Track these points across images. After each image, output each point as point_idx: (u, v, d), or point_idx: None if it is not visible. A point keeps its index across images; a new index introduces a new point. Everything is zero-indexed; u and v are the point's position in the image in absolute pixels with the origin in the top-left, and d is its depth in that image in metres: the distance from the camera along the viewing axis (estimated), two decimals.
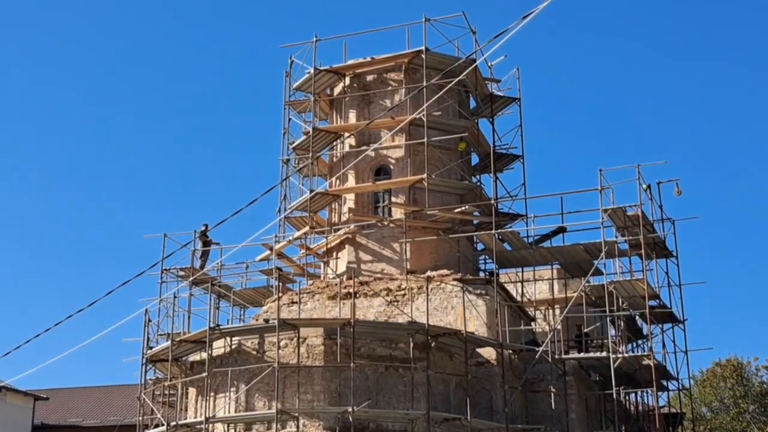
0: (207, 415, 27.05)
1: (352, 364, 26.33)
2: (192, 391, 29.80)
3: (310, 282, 34.25)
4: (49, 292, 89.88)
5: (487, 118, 36.81)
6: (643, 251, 31.57)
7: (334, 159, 36.17)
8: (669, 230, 34.42)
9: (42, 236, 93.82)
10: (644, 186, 32.29)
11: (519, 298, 34.89)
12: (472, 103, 37.46)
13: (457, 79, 30.09)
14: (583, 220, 33.12)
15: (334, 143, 35.82)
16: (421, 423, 26.87)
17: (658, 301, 33.15)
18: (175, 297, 30.50)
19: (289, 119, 36.58)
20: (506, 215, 35.35)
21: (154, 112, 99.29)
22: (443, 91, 30.41)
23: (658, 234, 33.39)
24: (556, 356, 30.95)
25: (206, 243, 34.43)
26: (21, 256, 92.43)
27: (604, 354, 31.66)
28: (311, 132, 34.91)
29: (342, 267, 33.98)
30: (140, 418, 30.57)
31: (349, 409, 25.80)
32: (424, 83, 32.14)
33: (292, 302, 31.97)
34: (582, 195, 33.49)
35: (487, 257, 35.88)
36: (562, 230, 34.20)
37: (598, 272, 32.86)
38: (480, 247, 35.80)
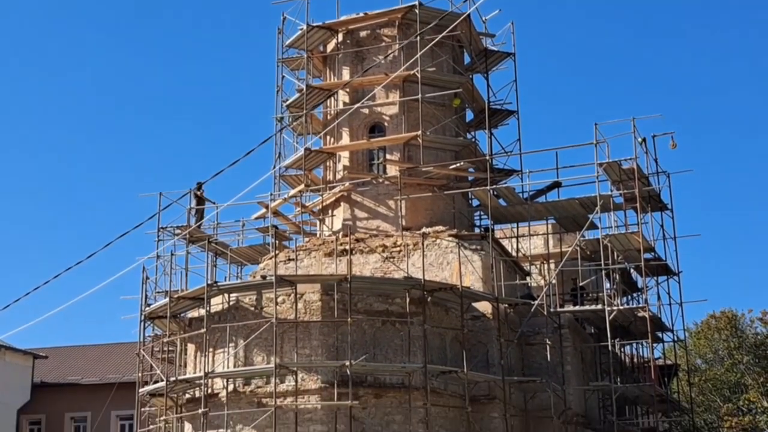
0: (206, 371, 27.32)
1: (349, 319, 26.56)
2: (191, 348, 30.05)
3: (306, 239, 34.41)
4: (45, 253, 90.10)
5: (482, 74, 36.79)
6: (638, 204, 31.75)
7: (328, 116, 36.19)
8: (664, 183, 34.60)
9: (38, 196, 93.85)
10: (639, 139, 32.41)
11: (514, 253, 35.10)
12: (467, 59, 37.40)
13: (449, 29, 29.99)
14: (578, 175, 33.27)
15: (328, 100, 35.81)
16: (418, 376, 27.16)
17: (653, 253, 33.38)
18: (172, 255, 30.65)
19: (283, 77, 36.55)
20: (501, 171, 35.47)
21: (147, 70, 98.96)
22: (434, 41, 30.27)
23: (653, 187, 33.54)
24: (552, 310, 31.20)
25: (200, 201, 34.52)
26: (17, 215, 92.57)
27: (599, 307, 31.94)
28: (305, 89, 34.88)
29: (338, 224, 34.13)
30: (139, 375, 30.83)
31: (347, 363, 26.07)
32: (417, 35, 32.04)
33: (289, 259, 32.14)
34: (577, 149, 33.59)
35: (482, 213, 36.05)
36: (557, 185, 34.31)
37: (593, 226, 33.03)
38: (475, 203, 35.95)
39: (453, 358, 28.55)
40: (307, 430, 26.46)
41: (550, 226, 36.39)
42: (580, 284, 34.14)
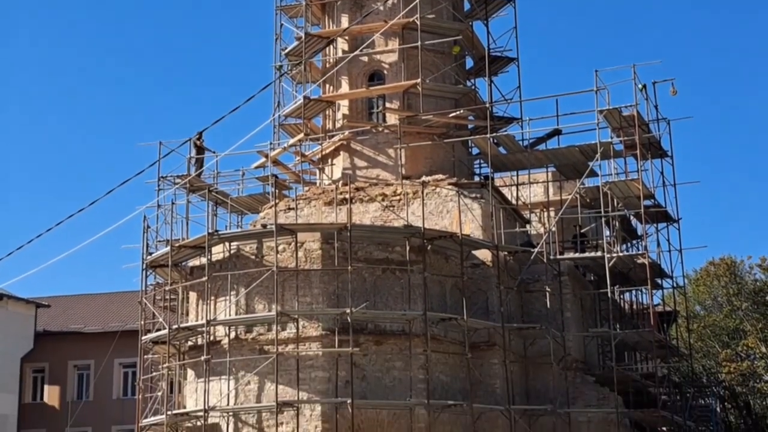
0: (208, 318, 27.52)
1: (349, 268, 26.70)
2: (192, 296, 30.23)
3: (306, 188, 34.45)
4: (48, 203, 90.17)
5: (482, 21, 36.58)
6: (638, 151, 31.73)
7: (327, 65, 36.02)
8: (664, 130, 34.51)
9: (40, 148, 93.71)
10: (639, 86, 32.27)
11: (514, 201, 35.14)
12: (467, 6, 37.14)
13: None
14: (578, 122, 33.18)
15: (327, 48, 35.63)
16: (418, 323, 27.36)
17: (652, 200, 33.42)
18: (172, 204, 30.67)
19: (281, 25, 36.31)
20: (501, 119, 35.38)
21: (145, 19, 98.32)
22: None
23: (653, 134, 33.49)
24: (551, 257, 31.31)
25: (200, 150, 34.51)
26: (18, 166, 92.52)
27: (598, 254, 32.05)
28: (303, 37, 34.70)
29: (337, 173, 34.13)
30: (142, 323, 31.05)
31: (348, 311, 26.25)
32: None
33: (289, 208, 32.20)
34: (577, 96, 33.54)
35: (482, 161, 36.03)
36: (557, 132, 34.25)
37: (593, 174, 33.04)
38: (475, 151, 35.91)
39: (453, 305, 28.73)
40: (308, 377, 26.73)
41: (549, 174, 36.40)
42: (580, 232, 34.22)
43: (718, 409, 47.81)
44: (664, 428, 35.74)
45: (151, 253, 30.83)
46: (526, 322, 30.82)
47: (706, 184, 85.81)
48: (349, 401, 25.89)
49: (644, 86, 32.68)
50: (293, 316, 26.87)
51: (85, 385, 44.32)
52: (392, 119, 33.70)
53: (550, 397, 29.78)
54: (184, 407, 29.22)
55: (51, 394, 45.36)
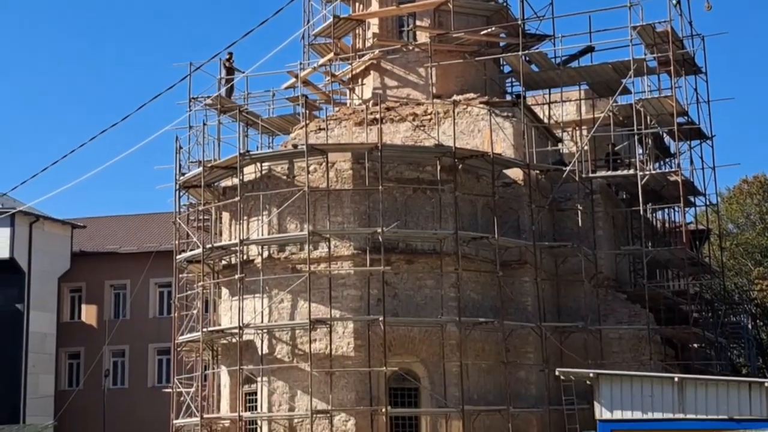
0: (241, 238, 27.79)
1: (380, 187, 26.78)
2: (225, 216, 30.49)
3: (337, 109, 34.37)
4: (82, 125, 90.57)
5: None
6: (671, 68, 31.33)
7: None
8: (698, 46, 34.05)
9: (71, 68, 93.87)
10: (674, 1, 31.73)
11: (546, 120, 34.91)
12: None
13: None
14: (611, 39, 32.92)
15: None
16: (449, 242, 27.49)
17: (686, 117, 33.11)
18: (204, 125, 30.77)
19: None
20: (533, 36, 34.86)
21: None
22: None
23: (686, 50, 33.03)
24: (584, 175, 31.20)
25: (231, 71, 34.45)
26: (55, 92, 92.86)
27: (631, 172, 31.87)
28: None
29: (367, 93, 34.00)
30: (176, 243, 31.39)
31: (379, 230, 26.40)
32: None
33: (320, 129, 32.20)
34: (610, 12, 32.95)
35: (513, 79, 35.72)
36: (590, 50, 33.82)
37: (626, 91, 32.68)
38: (506, 69, 35.57)
39: (484, 224, 28.79)
40: (340, 295, 27.03)
41: (582, 92, 36.07)
42: (613, 150, 34.02)
43: (749, 327, 47.83)
44: (695, 345, 35.90)
45: (183, 174, 31.04)
46: (558, 240, 30.86)
47: (740, 101, 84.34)
48: (380, 318, 26.20)
49: (678, 1, 32.14)
50: (325, 236, 27.08)
51: (122, 305, 45.04)
52: (423, 37, 33.39)
53: (581, 314, 29.95)
54: (219, 325, 29.71)
55: (88, 313, 46.17)
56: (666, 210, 36.99)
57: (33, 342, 43.27)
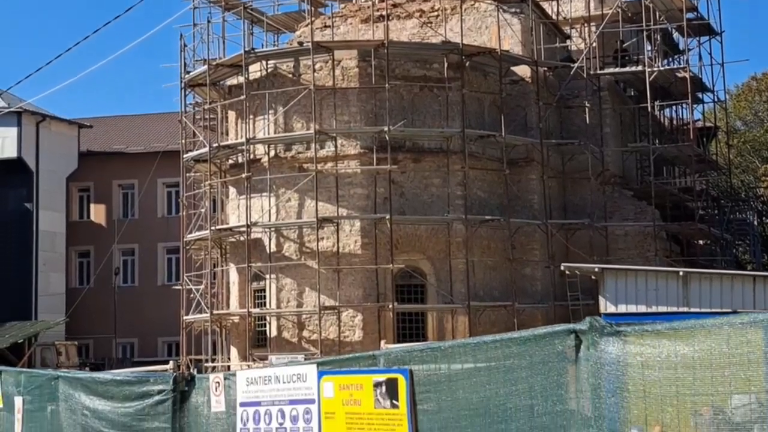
0: (247, 137, 27.80)
1: (387, 85, 26.65)
2: (231, 115, 30.44)
3: (342, 6, 33.98)
4: (82, 22, 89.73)
5: None
6: None
7: None
8: None
9: None
10: None
11: (554, 17, 34.48)
12: None
13: None
14: None
15: None
16: (456, 140, 27.48)
17: (695, 13, 32.75)
18: (208, 22, 30.47)
19: None
20: None
21: None
22: None
23: None
24: (591, 72, 30.99)
25: None
26: None
27: (639, 68, 31.65)
28: None
29: None
30: (183, 141, 31.41)
31: (385, 129, 26.38)
32: None
33: (325, 26, 31.89)
34: None
35: None
36: None
37: None
38: None
39: (491, 122, 28.73)
40: (347, 194, 27.14)
41: None
42: (621, 47, 33.71)
43: (755, 223, 48.05)
44: (701, 241, 36.12)
45: (189, 72, 30.88)
46: (565, 138, 30.82)
47: None
48: (387, 217, 26.36)
49: None
50: (331, 135, 27.06)
51: (130, 204, 45.24)
52: None
53: (587, 211, 30.08)
54: (227, 223, 29.92)
55: (97, 213, 46.44)
56: (674, 107, 36.83)
57: (43, 241, 43.65)
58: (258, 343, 28.18)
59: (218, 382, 7.39)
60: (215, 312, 29.07)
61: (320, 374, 6.79)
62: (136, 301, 43.67)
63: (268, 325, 27.80)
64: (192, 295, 30.15)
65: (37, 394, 9.16)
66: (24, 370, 11.80)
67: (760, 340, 4.53)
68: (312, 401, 6.78)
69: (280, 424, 6.97)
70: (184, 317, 30.16)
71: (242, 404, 7.24)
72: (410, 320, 27.40)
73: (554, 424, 5.49)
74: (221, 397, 7.34)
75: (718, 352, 4.68)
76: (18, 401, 9.44)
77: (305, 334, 27.13)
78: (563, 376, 5.44)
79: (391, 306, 26.58)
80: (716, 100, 35.89)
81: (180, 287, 31.54)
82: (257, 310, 27.98)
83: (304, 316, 27.21)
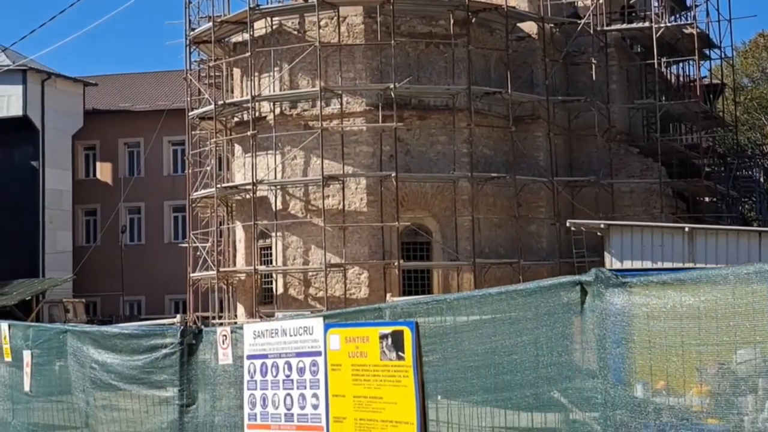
0: (253, 94, 27.73)
1: (392, 42, 26.53)
2: (237, 72, 30.35)
3: None
4: None
5: None
6: None
7: None
8: None
9: None
10: None
11: None
12: None
13: None
14: None
15: None
16: (462, 98, 27.40)
17: None
18: None
19: None
20: None
21: None
22: None
23: None
24: (598, 28, 30.80)
25: None
26: None
27: (646, 24, 31.44)
28: None
29: None
30: (188, 99, 31.34)
31: (391, 86, 26.29)
32: None
33: None
34: None
35: None
36: None
37: None
38: None
39: (497, 79, 28.62)
40: (353, 151, 27.13)
41: None
42: (628, 2, 33.45)
43: (761, 180, 47.95)
44: (707, 198, 36.08)
45: (193, 29, 30.75)
46: (571, 95, 30.69)
47: None
48: (393, 174, 26.35)
49: None
50: (337, 92, 26.99)
51: (136, 163, 45.26)
52: None
53: (593, 168, 30.02)
54: (233, 181, 29.93)
55: (103, 171, 46.48)
56: (680, 64, 36.64)
57: (49, 199, 43.73)
58: (264, 300, 28.32)
59: (225, 336, 7.44)
60: (222, 269, 29.17)
61: (326, 327, 6.83)
62: (143, 259, 43.83)
63: (274, 283, 27.92)
64: (198, 253, 30.25)
65: (46, 348, 9.24)
66: (32, 324, 11.88)
67: (765, 290, 4.54)
68: (318, 353, 6.83)
69: (287, 376, 7.02)
70: (191, 275, 30.27)
71: (249, 357, 7.30)
72: (416, 277, 27.48)
73: (559, 374, 5.52)
74: (228, 350, 7.39)
75: (724, 302, 4.70)
76: (27, 355, 9.52)
77: (311, 291, 27.24)
78: (568, 327, 5.46)
79: (396, 263, 26.65)
80: (723, 56, 35.71)
81: (186, 245, 31.63)
82: (263, 267, 28.07)
83: (310, 274, 27.29)
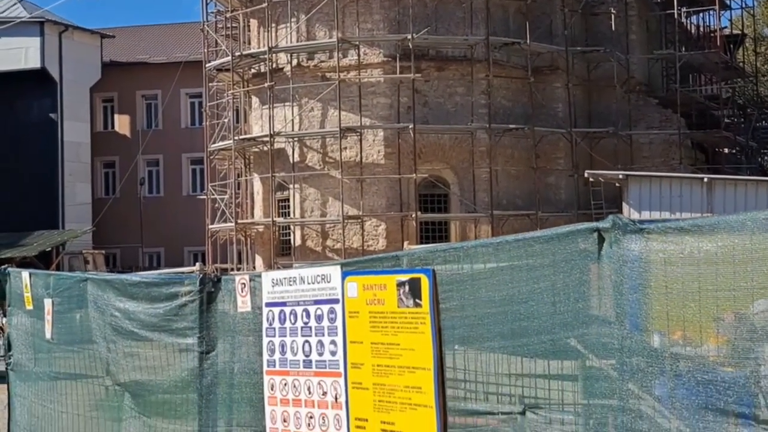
0: (270, 45, 27.64)
1: None
2: (254, 23, 30.23)
3: None
4: None
5: None
6: None
7: None
8: None
9: None
10: None
11: None
12: None
13: None
14: None
15: None
16: (480, 48, 27.22)
17: None
18: None
19: None
20: None
21: None
22: None
23: None
24: None
25: None
26: None
27: None
28: None
29: None
30: (205, 51, 31.27)
31: (409, 36, 26.14)
32: None
33: None
34: None
35: None
36: None
37: None
38: None
39: (516, 30, 28.41)
40: (370, 103, 27.06)
41: None
42: None
43: None
44: (726, 150, 35.88)
45: None
46: (590, 45, 30.45)
47: None
48: (411, 126, 26.28)
49: None
50: (354, 43, 26.87)
51: (154, 115, 45.29)
52: None
53: (612, 119, 29.87)
54: (250, 133, 29.94)
55: (121, 123, 46.56)
56: (701, 14, 36.26)
57: (68, 151, 43.87)
58: (282, 251, 28.43)
59: (244, 284, 7.48)
60: (240, 221, 29.28)
61: (344, 275, 6.86)
62: (162, 211, 44.03)
63: (292, 234, 28.02)
64: (216, 205, 30.36)
65: (66, 296, 9.30)
66: (53, 272, 11.96)
67: None
68: (336, 301, 6.86)
69: (305, 323, 7.07)
70: (210, 226, 30.40)
71: (267, 305, 7.35)
72: (433, 229, 27.52)
73: (576, 321, 5.53)
74: (247, 298, 7.44)
75: (741, 247, 4.68)
76: (48, 303, 9.59)
77: (329, 243, 27.33)
78: (586, 274, 5.46)
79: (414, 215, 26.67)
80: (744, 6, 35.33)
81: (205, 197, 31.74)
82: (281, 219, 28.16)
83: (327, 226, 27.36)
